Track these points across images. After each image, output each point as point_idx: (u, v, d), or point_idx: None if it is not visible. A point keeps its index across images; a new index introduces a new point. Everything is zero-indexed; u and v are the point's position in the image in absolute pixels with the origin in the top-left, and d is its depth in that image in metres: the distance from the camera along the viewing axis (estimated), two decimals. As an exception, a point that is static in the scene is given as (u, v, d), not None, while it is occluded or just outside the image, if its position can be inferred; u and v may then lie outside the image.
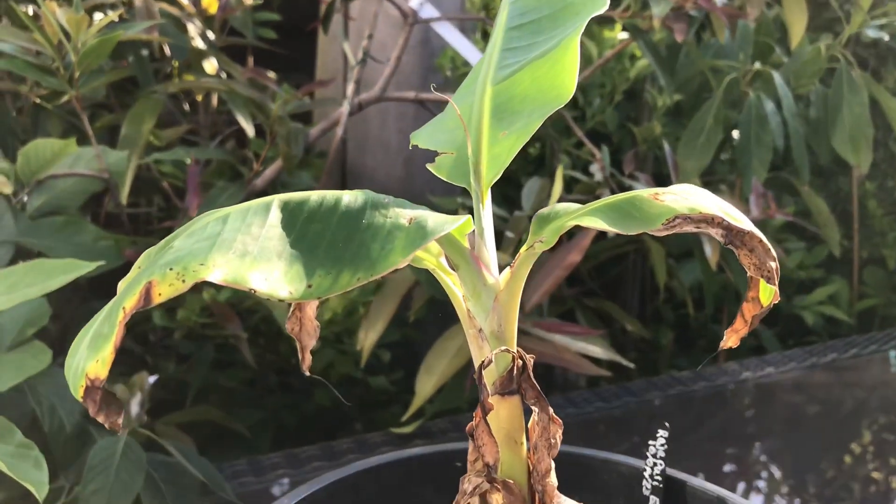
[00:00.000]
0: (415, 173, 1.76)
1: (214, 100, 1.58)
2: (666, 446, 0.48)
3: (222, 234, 0.31)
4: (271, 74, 1.60)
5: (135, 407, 0.91)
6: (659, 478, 0.48)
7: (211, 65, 1.40)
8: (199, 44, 1.32)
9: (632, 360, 1.65)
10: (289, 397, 1.35)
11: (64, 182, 1.12)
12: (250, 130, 1.28)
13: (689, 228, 0.34)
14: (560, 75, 0.37)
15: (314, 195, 0.34)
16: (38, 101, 1.24)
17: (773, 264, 0.35)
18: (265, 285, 0.29)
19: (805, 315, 1.70)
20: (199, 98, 1.57)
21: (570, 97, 0.37)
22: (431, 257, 0.39)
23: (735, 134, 1.67)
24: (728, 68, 1.53)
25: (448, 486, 0.51)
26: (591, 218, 0.34)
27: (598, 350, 0.98)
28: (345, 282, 0.30)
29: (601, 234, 1.43)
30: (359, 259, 0.31)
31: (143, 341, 1.28)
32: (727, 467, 1.13)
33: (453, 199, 1.36)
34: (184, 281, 0.29)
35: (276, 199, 0.33)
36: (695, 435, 1.18)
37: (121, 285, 0.32)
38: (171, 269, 0.29)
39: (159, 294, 0.29)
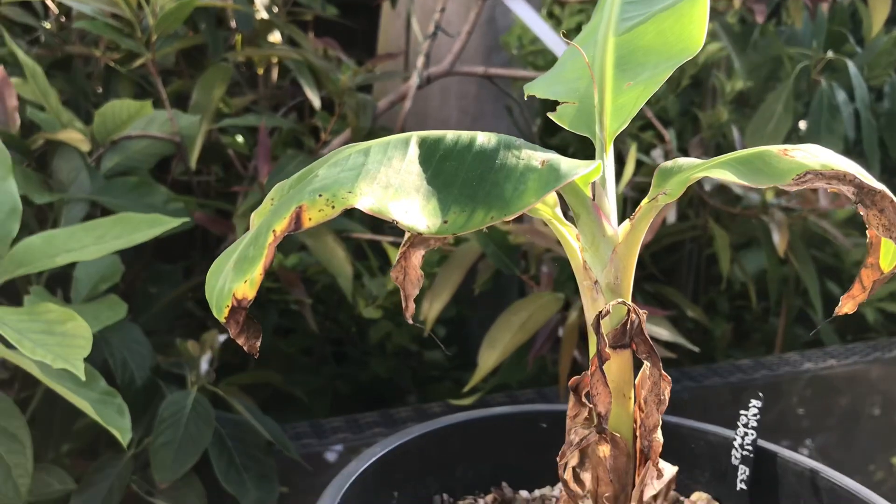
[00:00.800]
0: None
1: (275, 73, 1.59)
2: (759, 416, 0.48)
3: (366, 165, 0.31)
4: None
5: (204, 364, 0.92)
6: (750, 448, 0.48)
7: (273, 37, 1.41)
8: (263, 15, 1.33)
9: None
10: (345, 367, 1.36)
11: (137, 143, 1.14)
12: (316, 102, 1.28)
13: (820, 184, 0.34)
14: (687, 27, 0.37)
15: (450, 134, 0.34)
16: (111, 64, 1.26)
17: (904, 226, 0.34)
18: (405, 217, 0.30)
19: (865, 311, 1.67)
20: (260, 71, 1.58)
21: (699, 49, 0.37)
22: (548, 208, 0.39)
23: (802, 124, 1.64)
24: (800, 56, 1.50)
25: (533, 444, 0.51)
26: (721, 170, 0.34)
27: (663, 332, 0.97)
28: (479, 219, 0.30)
29: (662, 220, 1.41)
30: (492, 198, 0.31)
31: (205, 305, 1.30)
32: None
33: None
34: (333, 207, 0.29)
35: (415, 136, 0.33)
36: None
37: (254, 217, 0.33)
38: (320, 195, 0.29)
39: (309, 219, 0.29)
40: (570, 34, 1.37)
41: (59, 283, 0.97)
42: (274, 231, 0.29)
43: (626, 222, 0.39)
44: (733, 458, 0.49)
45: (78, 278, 0.93)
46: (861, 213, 0.35)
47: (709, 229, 1.40)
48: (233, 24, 1.41)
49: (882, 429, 1.19)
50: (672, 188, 0.36)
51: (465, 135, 0.34)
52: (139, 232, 0.77)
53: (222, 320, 0.31)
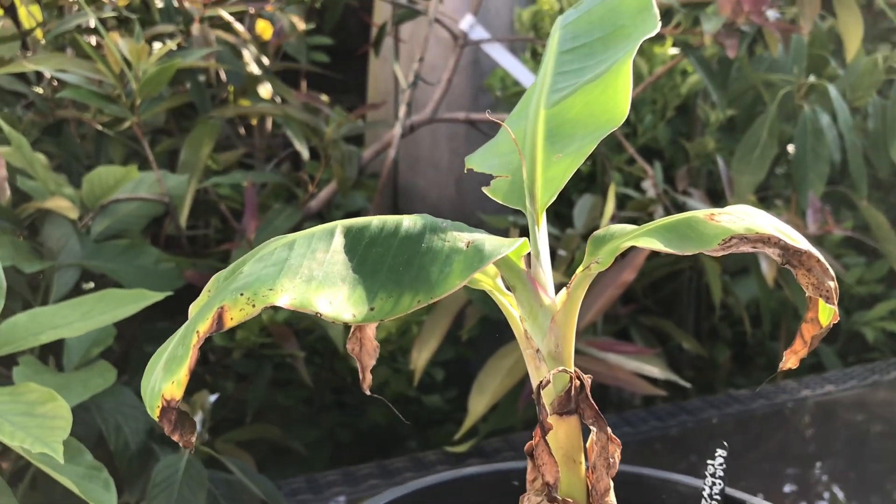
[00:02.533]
0: (466, 192, 1.77)
1: (269, 124, 1.62)
2: (725, 466, 0.48)
3: (289, 260, 0.32)
4: (324, 97, 1.63)
5: (197, 425, 0.93)
6: (718, 497, 0.48)
7: (265, 89, 1.43)
8: (253, 69, 1.35)
9: (688, 378, 1.63)
10: (344, 415, 1.37)
11: (126, 206, 1.16)
12: (305, 153, 1.30)
13: (746, 248, 0.34)
14: (612, 98, 0.38)
15: (375, 220, 0.35)
16: (100, 127, 1.28)
17: (832, 284, 0.35)
18: (330, 309, 0.30)
19: (865, 331, 1.66)
20: (254, 122, 1.60)
21: (623, 120, 0.38)
22: (488, 279, 0.39)
23: (790, 148, 1.64)
24: (782, 82, 1.52)
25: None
26: (647, 239, 0.35)
27: (654, 370, 0.97)
28: (406, 304, 0.31)
29: (655, 252, 1.42)
30: (419, 282, 0.31)
31: (202, 360, 1.31)
32: (787, 488, 1.11)
33: (505, 217, 1.37)
34: (254, 305, 0.30)
35: (339, 225, 0.34)
36: (753, 455, 1.16)
37: (192, 309, 0.34)
38: (241, 294, 0.30)
39: (231, 318, 0.30)
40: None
41: (51, 349, 0.98)
42: (198, 332, 0.30)
43: (563, 291, 0.39)
44: (703, 508, 0.49)
45: (69, 345, 0.94)
46: (792, 272, 0.35)
47: (700, 259, 1.40)
48: (222, 76, 1.44)
49: (884, 454, 1.18)
50: (603, 257, 0.37)
51: (389, 220, 0.35)
52: (123, 307, 0.78)
53: (155, 419, 0.32)
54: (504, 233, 1.56)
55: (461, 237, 0.33)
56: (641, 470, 0.51)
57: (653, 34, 0.40)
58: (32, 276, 1.06)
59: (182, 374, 0.30)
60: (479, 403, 0.95)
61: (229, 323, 0.30)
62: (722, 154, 1.58)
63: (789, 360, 0.39)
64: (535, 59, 1.70)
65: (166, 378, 0.30)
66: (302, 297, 0.30)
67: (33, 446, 0.58)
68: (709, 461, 0.49)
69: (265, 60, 1.40)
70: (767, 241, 0.34)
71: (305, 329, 1.29)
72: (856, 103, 1.58)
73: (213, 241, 1.56)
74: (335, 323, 1.13)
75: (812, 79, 1.53)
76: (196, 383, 1.32)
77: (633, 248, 1.03)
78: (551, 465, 0.36)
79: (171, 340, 0.32)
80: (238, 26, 1.38)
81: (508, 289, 0.39)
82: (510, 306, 0.40)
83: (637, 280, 1.41)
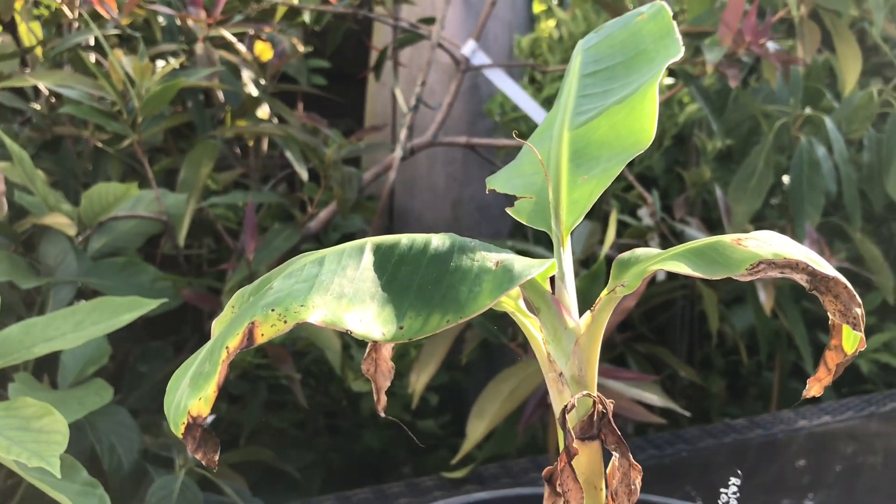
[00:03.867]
0: (462, 216, 1.77)
1: (265, 145, 1.62)
2: (738, 494, 0.47)
3: (320, 276, 0.32)
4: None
5: (218, 444, 0.92)
6: (731, 527, 0.47)
7: (262, 110, 1.43)
8: (252, 90, 1.35)
9: (682, 406, 1.63)
10: (338, 439, 1.35)
11: (124, 224, 1.15)
12: (304, 174, 1.30)
13: (774, 274, 0.34)
14: (639, 121, 0.38)
15: (404, 238, 0.35)
16: (99, 144, 1.27)
17: (859, 311, 0.35)
18: (360, 326, 0.30)
19: (860, 363, 1.66)
20: (251, 143, 1.60)
21: (650, 143, 0.38)
22: (511, 300, 0.39)
23: (785, 179, 1.66)
24: (778, 113, 1.53)
25: (516, 531, 0.51)
26: (675, 263, 0.35)
27: (653, 397, 0.97)
28: (434, 324, 0.31)
29: (652, 279, 1.42)
30: (448, 301, 0.31)
31: (195, 381, 1.30)
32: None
33: (503, 241, 1.37)
34: (285, 322, 0.30)
35: (369, 242, 0.34)
36: (749, 485, 1.15)
37: (215, 325, 0.33)
38: (272, 309, 0.30)
39: (262, 334, 0.30)
40: (551, 100, 1.40)
41: (46, 367, 0.97)
42: (227, 348, 0.29)
43: (588, 314, 0.39)
44: (715, 537, 0.48)
45: (64, 363, 0.93)
46: (819, 298, 0.35)
47: (697, 288, 1.41)
48: (221, 97, 1.44)
49: (878, 486, 1.17)
50: (629, 280, 0.36)
51: (419, 239, 0.35)
52: (118, 316, 0.77)
53: (179, 436, 0.31)
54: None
55: (490, 257, 0.33)
56: (654, 498, 0.50)
57: (677, 59, 0.40)
58: (28, 293, 1.05)
59: (210, 391, 0.29)
60: (477, 428, 0.94)
61: (260, 339, 0.30)
62: (718, 183, 1.59)
63: (813, 388, 0.39)
64: (533, 84, 1.71)
65: (193, 394, 0.30)
66: (333, 314, 0.30)
67: (29, 461, 0.57)
68: (722, 489, 0.49)
69: (263, 82, 1.40)
70: (796, 266, 0.34)
71: (300, 351, 1.28)
72: (851, 136, 1.59)
73: (206, 261, 1.55)
74: (326, 343, 1.11)
75: (808, 110, 1.54)
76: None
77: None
78: (576, 491, 0.36)
79: (196, 356, 0.32)
80: (240, 47, 1.38)
81: (531, 311, 0.39)
82: (533, 329, 0.39)
83: (634, 307, 1.41)
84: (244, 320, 0.30)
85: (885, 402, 1.37)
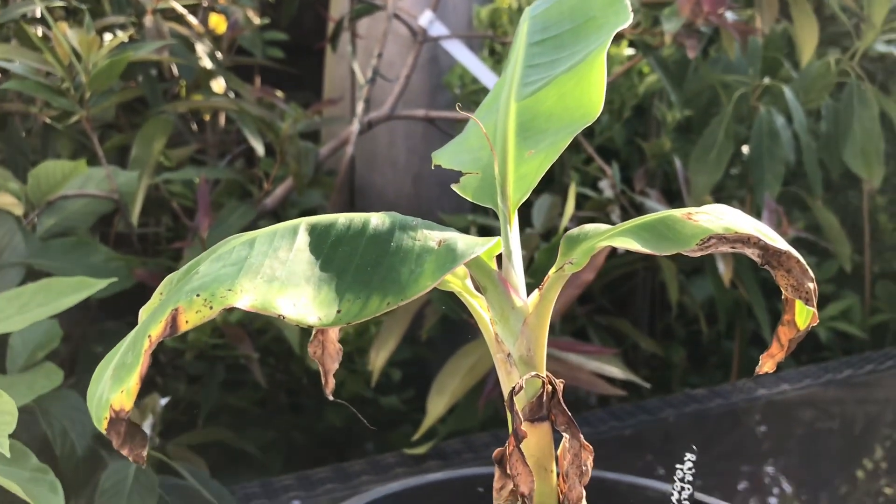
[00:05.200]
0: (423, 191, 1.75)
1: (222, 119, 1.58)
2: (693, 470, 0.47)
3: (249, 259, 0.30)
4: (279, 93, 1.60)
5: (146, 430, 0.90)
6: (687, 502, 0.47)
7: (218, 84, 1.40)
8: (207, 63, 1.32)
9: (643, 377, 1.64)
10: (299, 417, 1.34)
11: (74, 203, 1.12)
12: (260, 149, 1.27)
13: (725, 249, 0.33)
14: (587, 92, 0.37)
15: (342, 218, 0.33)
16: (47, 121, 1.24)
17: (811, 285, 0.34)
18: (294, 311, 0.29)
19: (818, 330, 1.69)
20: (207, 118, 1.57)
21: (598, 114, 0.36)
22: (457, 280, 0.38)
23: (745, 149, 1.66)
24: (737, 83, 1.53)
25: (471, 511, 0.50)
26: (624, 238, 0.34)
27: (614, 370, 0.97)
28: (374, 307, 0.29)
29: (612, 251, 1.42)
30: (388, 283, 0.30)
31: (153, 362, 1.27)
32: (741, 485, 1.11)
33: (464, 216, 1.35)
34: (211, 307, 0.28)
35: (304, 223, 0.32)
36: (710, 453, 1.17)
37: (142, 313, 0.32)
38: (197, 295, 0.28)
39: (186, 321, 0.28)
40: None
41: (-6, 352, 0.94)
42: (149, 337, 0.28)
43: (536, 292, 0.38)
44: (671, 512, 0.48)
45: (13, 347, 0.90)
46: (770, 273, 0.34)
47: (657, 259, 1.41)
48: (174, 71, 1.40)
49: (836, 451, 1.19)
50: (578, 257, 0.35)
51: (357, 217, 0.33)
52: (64, 298, 0.74)
53: (103, 431, 0.29)
54: (464, 232, 1.55)
55: (432, 236, 0.32)
56: (609, 475, 0.50)
57: (626, 25, 0.39)
58: (-26, 275, 1.02)
59: (132, 383, 0.28)
60: (438, 404, 0.93)
61: (184, 326, 0.28)
62: (678, 154, 1.59)
63: (766, 364, 0.38)
64: (493, 56, 1.69)
65: (115, 387, 0.28)
66: (263, 299, 0.28)
67: (-24, 444, 0.54)
68: (677, 465, 0.48)
69: (219, 55, 1.37)
70: (747, 241, 0.33)
71: (259, 329, 1.26)
72: (809, 105, 1.60)
73: (164, 240, 1.52)
74: (298, 326, 1.11)
75: (767, 80, 1.54)
76: (146, 386, 1.28)
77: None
78: (526, 474, 0.35)
79: (120, 346, 0.30)
80: (192, 19, 1.34)
81: (478, 290, 0.38)
82: (480, 309, 0.38)
83: (594, 280, 1.41)
84: (167, 307, 0.28)
85: (842, 368, 1.39)
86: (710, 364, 1.83)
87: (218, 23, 1.55)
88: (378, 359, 1.00)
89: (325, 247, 0.31)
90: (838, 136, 1.52)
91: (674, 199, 1.61)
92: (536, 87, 0.39)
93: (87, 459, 0.89)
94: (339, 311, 0.29)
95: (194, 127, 1.59)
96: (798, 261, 0.34)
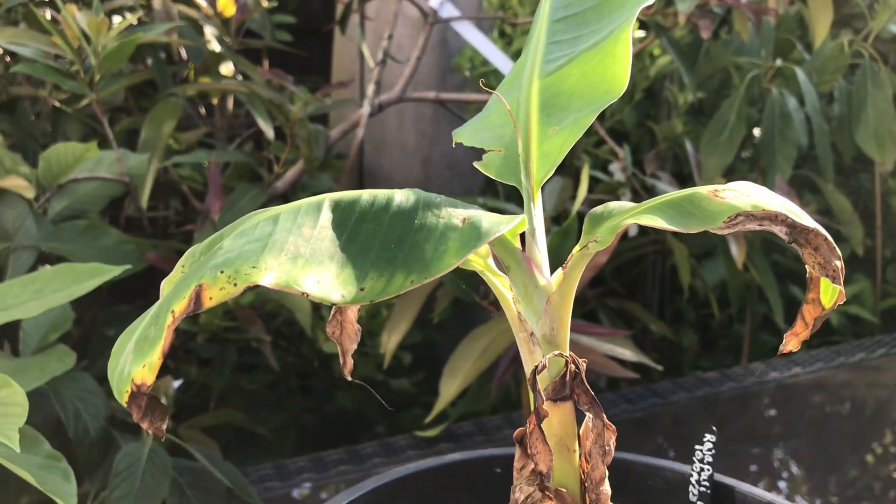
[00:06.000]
0: (432, 174, 1.74)
1: (230, 103, 1.58)
2: (713, 451, 0.47)
3: (273, 235, 0.30)
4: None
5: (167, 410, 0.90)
6: (706, 483, 0.47)
7: (227, 67, 1.39)
8: (215, 46, 1.31)
9: (654, 360, 1.63)
10: (310, 400, 1.34)
11: (85, 186, 1.12)
12: (270, 133, 1.27)
13: (752, 226, 0.33)
14: (611, 68, 0.36)
15: (365, 194, 0.33)
16: (57, 104, 1.23)
17: (839, 263, 0.34)
18: (318, 289, 0.28)
19: (830, 315, 1.68)
20: (215, 101, 1.56)
21: (623, 91, 0.36)
22: (479, 259, 0.37)
23: (756, 132, 1.65)
24: (749, 65, 1.52)
25: (489, 493, 0.50)
26: (650, 216, 0.33)
27: (626, 352, 0.96)
28: (398, 284, 0.29)
29: (623, 234, 1.41)
30: (412, 260, 0.29)
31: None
32: (752, 467, 1.11)
33: (473, 198, 1.35)
34: (235, 284, 0.28)
35: (328, 199, 0.32)
36: (722, 436, 1.16)
37: (164, 286, 0.31)
38: (221, 271, 0.28)
39: (210, 298, 0.28)
40: (521, 54, 1.37)
41: (6, 334, 0.94)
42: (173, 312, 0.28)
43: (559, 271, 0.38)
44: (691, 494, 0.48)
45: (26, 329, 0.91)
46: (797, 251, 0.34)
47: (668, 242, 1.40)
48: (183, 55, 1.40)
49: (846, 434, 1.19)
50: (602, 235, 0.35)
51: (381, 195, 0.33)
52: (80, 283, 0.74)
53: (123, 405, 0.29)
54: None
55: (457, 213, 0.31)
56: (627, 456, 0.50)
57: (649, 2, 0.38)
58: (-14, 258, 1.02)
59: (155, 357, 0.28)
60: (450, 386, 0.93)
61: (208, 303, 0.28)
62: (689, 137, 1.58)
63: (790, 343, 0.38)
64: (503, 38, 1.68)
65: (137, 361, 0.28)
66: (288, 276, 0.28)
67: (-13, 435, 0.55)
68: (697, 447, 0.48)
69: (227, 38, 1.36)
70: (774, 218, 0.33)
71: (270, 312, 1.26)
72: (821, 87, 1.59)
73: (173, 223, 1.52)
74: (297, 303, 1.10)
75: (779, 62, 1.53)
76: (161, 367, 1.29)
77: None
78: (545, 453, 0.35)
79: (141, 319, 0.30)
80: (200, 1, 1.34)
81: (500, 269, 0.38)
82: (503, 288, 0.38)
83: (605, 263, 1.41)
84: (191, 282, 0.28)
85: (854, 352, 1.38)
86: (721, 347, 1.82)
87: (226, 5, 1.54)
88: (390, 341, 1.00)
89: (349, 223, 0.31)
90: (851, 118, 1.50)
91: (685, 181, 1.60)
92: (559, 64, 0.38)
93: (100, 441, 0.89)
94: (362, 289, 0.29)
95: (203, 111, 1.58)
96: (826, 238, 0.33)
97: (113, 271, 0.76)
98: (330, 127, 1.52)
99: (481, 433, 1.06)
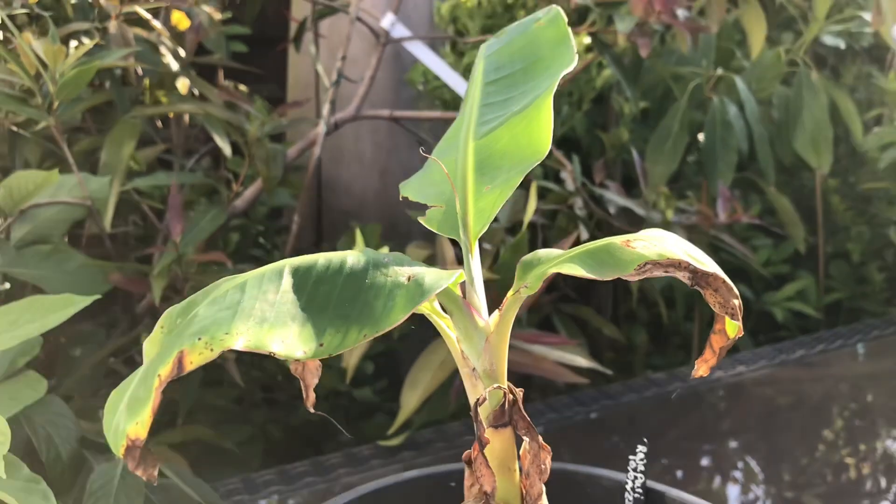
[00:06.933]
0: (390, 185, 1.78)
1: (186, 118, 1.60)
2: (645, 460, 0.52)
3: (242, 303, 0.34)
4: (242, 87, 1.61)
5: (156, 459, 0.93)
6: (640, 490, 0.52)
7: (183, 83, 1.41)
8: (170, 61, 1.33)
9: (608, 359, 1.69)
10: (275, 412, 1.38)
11: (47, 210, 1.14)
12: (227, 150, 1.30)
13: (659, 273, 0.38)
14: (536, 133, 0.41)
15: (321, 259, 0.37)
16: (14, 128, 1.25)
17: (736, 302, 0.39)
18: (283, 348, 0.32)
19: (775, 311, 1.75)
20: (172, 115, 1.58)
21: (546, 153, 0.40)
22: (426, 304, 0.42)
23: (701, 136, 1.72)
24: (691, 74, 1.58)
25: (444, 505, 0.54)
26: (572, 265, 0.38)
27: (577, 359, 1.02)
28: (353, 339, 0.33)
29: (576, 239, 1.47)
30: (364, 317, 0.34)
31: (129, 362, 1.30)
32: (704, 461, 1.17)
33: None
34: (212, 349, 0.32)
35: (287, 265, 0.36)
36: (672, 434, 1.23)
37: (146, 345, 0.35)
38: (199, 338, 0.32)
39: (191, 362, 0.32)
40: (471, 68, 1.40)
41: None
42: (159, 376, 0.32)
43: (496, 313, 0.42)
44: (626, 501, 0.53)
45: (-6, 356, 0.93)
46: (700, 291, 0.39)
47: (618, 248, 1.46)
48: (139, 70, 1.41)
49: (791, 427, 1.26)
50: (531, 282, 0.39)
51: (335, 258, 0.37)
52: (52, 314, 0.77)
53: (119, 457, 0.33)
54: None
55: (402, 272, 0.36)
56: (567, 466, 0.55)
57: (571, 69, 0.43)
58: (-49, 286, 1.04)
59: (146, 415, 0.32)
60: (411, 398, 0.98)
61: (189, 367, 0.32)
62: (636, 144, 1.64)
63: (700, 369, 0.43)
64: (455, 52, 1.73)
65: (130, 419, 0.32)
66: (256, 339, 0.32)
67: (-28, 465, 0.58)
68: (630, 456, 0.53)
69: (181, 51, 1.38)
70: (678, 265, 0.38)
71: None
72: (761, 94, 1.65)
73: (132, 238, 1.54)
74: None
75: (720, 71, 1.60)
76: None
77: (562, 235, 1.06)
78: (489, 475, 0.39)
79: (131, 379, 0.34)
80: (155, 23, 1.36)
81: (445, 311, 0.42)
82: (447, 328, 0.42)
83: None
84: (173, 349, 0.32)
85: (795, 349, 1.45)
86: (672, 345, 1.89)
87: (180, 20, 1.56)
88: (352, 356, 1.04)
89: (307, 286, 0.35)
90: (789, 124, 1.58)
91: (633, 185, 1.66)
92: (491, 127, 0.43)
93: (71, 463, 0.92)
94: (321, 345, 0.33)
95: (159, 123, 1.60)
96: (724, 281, 0.38)
97: (84, 301, 0.79)
98: (287, 143, 1.55)
99: (442, 440, 1.10)
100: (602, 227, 1.51)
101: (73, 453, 0.92)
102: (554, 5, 0.48)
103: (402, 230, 1.77)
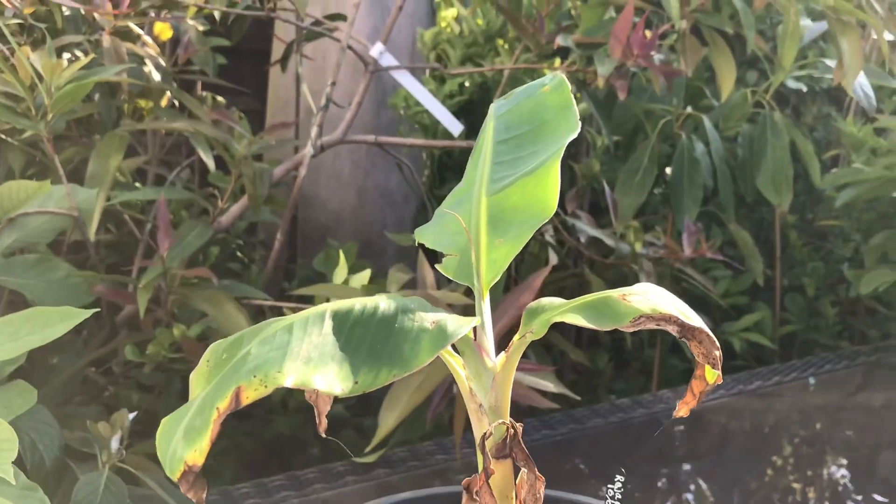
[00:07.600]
0: (367, 203, 1.82)
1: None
2: (622, 490, 0.56)
3: (290, 344, 0.38)
4: (220, 99, 1.64)
5: (115, 443, 0.95)
6: (616, 517, 0.56)
7: (167, 96, 1.44)
8: (155, 76, 1.35)
9: (572, 381, 1.74)
10: (249, 425, 1.40)
11: (35, 220, 1.16)
12: (212, 165, 1.32)
13: (651, 325, 0.42)
14: (544, 192, 0.46)
15: (357, 304, 0.41)
16: (1, 136, 1.27)
17: (717, 353, 0.43)
18: (325, 385, 0.36)
19: (732, 341, 1.82)
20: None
21: (553, 212, 0.45)
22: (439, 344, 0.46)
23: (668, 170, 1.78)
24: (662, 112, 1.65)
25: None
26: (574, 315, 0.43)
27: (548, 384, 1.06)
28: (383, 378, 0.37)
29: (546, 261, 1.52)
30: (394, 358, 0.38)
31: (106, 373, 1.32)
32: (660, 483, 1.23)
33: (408, 235, 1.44)
34: (266, 386, 0.36)
35: (329, 310, 0.40)
36: (633, 456, 1.28)
37: (194, 377, 0.39)
38: (254, 376, 0.36)
39: (247, 397, 0.36)
40: (453, 94, 1.44)
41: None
42: (218, 409, 0.35)
43: (503, 354, 0.47)
44: (603, 525, 0.57)
45: (-19, 365, 0.94)
46: (685, 342, 0.44)
47: (586, 275, 1.51)
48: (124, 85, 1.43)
49: (744, 453, 1.32)
50: (537, 328, 0.44)
51: (369, 304, 0.41)
52: (53, 326, 0.80)
53: (175, 480, 0.37)
54: (410, 249, 1.63)
55: (427, 318, 0.40)
56: (555, 493, 0.59)
57: (575, 134, 0.47)
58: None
59: (204, 444, 0.35)
60: (389, 419, 1.01)
61: (245, 401, 0.36)
62: (606, 175, 1.70)
63: (681, 410, 0.48)
64: (436, 78, 1.78)
65: (188, 446, 0.35)
66: (303, 378, 0.36)
67: (-18, 471, 0.60)
68: (608, 486, 0.58)
69: (162, 62, 1.40)
70: (668, 319, 0.42)
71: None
72: (727, 132, 1.73)
73: (102, 247, 1.55)
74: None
75: (689, 109, 1.67)
76: (98, 393, 1.33)
77: (533, 261, 1.12)
78: (492, 503, 0.44)
79: (187, 408, 0.38)
80: (147, 39, 1.39)
81: (455, 350, 0.46)
82: (458, 367, 0.46)
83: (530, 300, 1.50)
84: (231, 384, 0.36)
85: (752, 380, 1.52)
86: (633, 369, 1.95)
87: (162, 30, 1.58)
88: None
89: (345, 329, 0.39)
90: (752, 163, 1.65)
91: (602, 214, 1.72)
92: (503, 185, 0.47)
93: (54, 471, 0.94)
94: (356, 383, 0.37)
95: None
96: (708, 335, 0.43)
97: (83, 314, 0.82)
98: (274, 161, 1.58)
99: (415, 459, 1.14)
100: (570, 254, 1.57)
101: (57, 460, 0.94)
102: (559, 72, 0.53)
103: (377, 248, 1.81)
